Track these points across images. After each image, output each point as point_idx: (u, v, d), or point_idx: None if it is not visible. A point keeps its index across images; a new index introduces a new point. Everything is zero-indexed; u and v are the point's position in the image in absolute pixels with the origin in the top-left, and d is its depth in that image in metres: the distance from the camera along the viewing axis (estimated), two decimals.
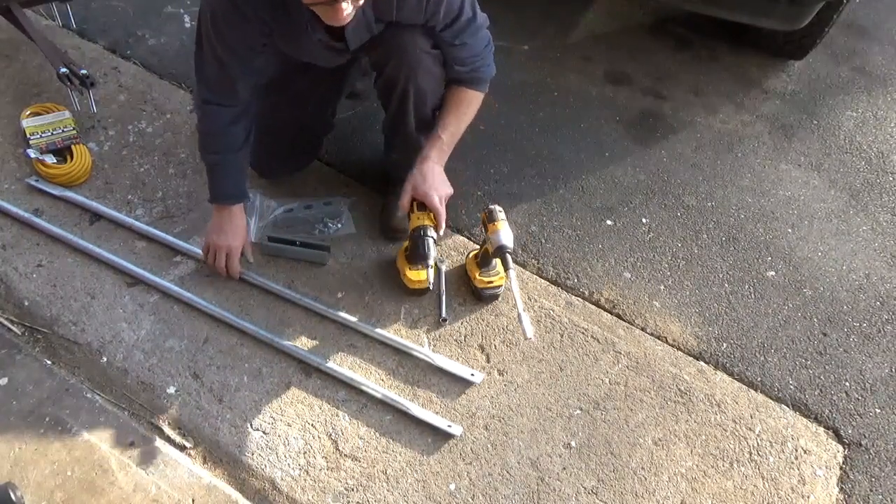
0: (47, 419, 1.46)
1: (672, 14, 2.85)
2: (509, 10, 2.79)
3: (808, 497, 1.50)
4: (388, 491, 1.44)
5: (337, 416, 1.54)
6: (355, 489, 1.44)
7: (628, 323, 1.79)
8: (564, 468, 1.50)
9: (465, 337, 1.69)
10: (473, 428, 1.54)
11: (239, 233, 1.70)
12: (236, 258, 1.70)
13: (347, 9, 1.27)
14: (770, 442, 1.58)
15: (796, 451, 1.57)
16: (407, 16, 1.47)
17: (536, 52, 2.63)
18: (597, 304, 1.83)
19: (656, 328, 1.79)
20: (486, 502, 1.44)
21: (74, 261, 1.76)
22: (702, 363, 1.73)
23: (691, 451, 1.55)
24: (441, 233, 1.62)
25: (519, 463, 1.50)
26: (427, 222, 1.65)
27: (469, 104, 1.67)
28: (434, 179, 1.61)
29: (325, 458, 1.48)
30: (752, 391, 1.68)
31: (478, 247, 1.81)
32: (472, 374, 1.61)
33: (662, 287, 1.89)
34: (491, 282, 1.71)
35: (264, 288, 1.73)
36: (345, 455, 1.48)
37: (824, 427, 1.64)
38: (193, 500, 1.38)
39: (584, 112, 2.41)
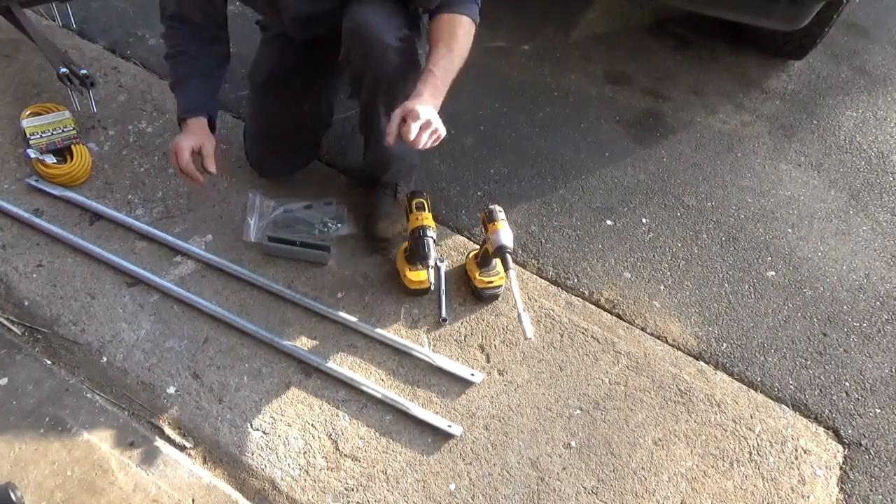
0: (47, 419, 1.46)
1: (672, 14, 2.85)
2: (509, 10, 2.79)
3: (808, 497, 1.50)
4: (388, 491, 1.44)
5: (337, 416, 1.54)
6: (355, 489, 1.44)
7: (628, 323, 1.79)
8: (564, 468, 1.50)
9: (465, 337, 1.69)
10: (473, 428, 1.54)
11: (193, 133, 1.60)
12: (185, 153, 1.58)
13: None
14: (770, 442, 1.58)
15: (796, 451, 1.57)
16: None
17: (536, 52, 2.63)
18: (597, 304, 1.83)
19: (656, 328, 1.79)
20: (486, 502, 1.44)
21: (74, 261, 1.76)
22: (702, 363, 1.73)
23: (691, 451, 1.55)
24: (392, 138, 1.38)
25: (519, 463, 1.50)
26: (427, 222, 1.66)
27: (459, 32, 1.47)
28: (426, 108, 1.39)
29: (325, 458, 1.48)
30: (752, 391, 1.68)
31: (478, 247, 1.81)
32: (472, 374, 1.61)
33: (662, 287, 1.89)
34: (491, 282, 1.71)
35: (264, 288, 1.73)
36: (345, 455, 1.48)
37: (824, 427, 1.64)
38: (193, 500, 1.38)
39: (584, 112, 2.41)
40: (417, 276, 1.69)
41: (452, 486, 1.45)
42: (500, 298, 1.76)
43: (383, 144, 1.67)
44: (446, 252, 1.86)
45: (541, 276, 1.87)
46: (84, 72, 1.99)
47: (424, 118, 1.36)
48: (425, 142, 1.38)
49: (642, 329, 1.78)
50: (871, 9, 3.03)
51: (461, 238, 1.92)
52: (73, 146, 1.94)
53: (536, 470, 1.49)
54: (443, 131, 1.40)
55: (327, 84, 1.85)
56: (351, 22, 1.51)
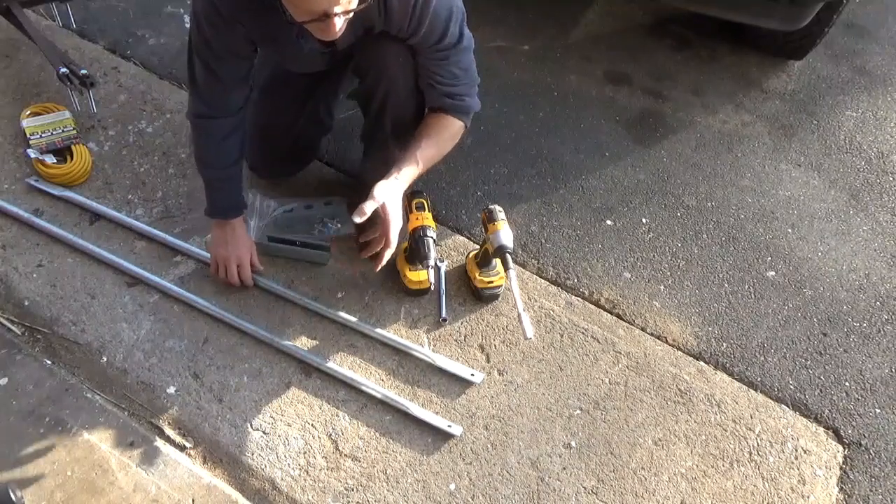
0: (47, 419, 1.46)
1: (672, 14, 2.85)
2: (509, 10, 2.79)
3: (808, 497, 1.50)
4: (388, 491, 1.44)
5: (337, 416, 1.54)
6: (355, 489, 1.44)
7: (628, 323, 1.79)
8: (564, 468, 1.50)
9: (465, 337, 1.69)
10: (473, 428, 1.54)
11: (243, 242, 1.70)
12: (247, 267, 1.69)
13: (339, 23, 1.26)
14: (770, 442, 1.58)
15: (796, 451, 1.57)
16: (392, 26, 1.45)
17: (536, 52, 2.63)
18: (597, 304, 1.83)
19: (656, 328, 1.79)
20: (486, 502, 1.44)
21: (74, 261, 1.76)
22: (702, 363, 1.73)
23: (691, 451, 1.55)
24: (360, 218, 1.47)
25: (519, 463, 1.50)
26: (427, 222, 1.66)
27: (450, 132, 1.61)
28: (398, 201, 1.54)
29: (325, 458, 1.48)
30: (752, 391, 1.68)
31: (478, 247, 1.81)
32: (472, 374, 1.61)
33: (662, 287, 1.89)
34: (491, 282, 1.71)
35: (264, 288, 1.73)
36: (345, 455, 1.48)
37: (824, 427, 1.64)
38: (193, 500, 1.38)
39: (584, 112, 2.41)
40: (417, 276, 1.69)
41: (452, 486, 1.45)
42: (500, 298, 1.76)
43: (385, 156, 1.68)
44: (446, 252, 1.86)
45: (541, 276, 1.87)
46: (84, 72, 1.99)
47: (392, 234, 1.51)
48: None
49: (642, 329, 1.78)
50: (871, 9, 3.03)
51: (461, 238, 1.92)
52: (73, 146, 1.94)
53: (536, 470, 1.49)
54: (394, 244, 1.53)
55: (329, 88, 1.85)
56: (372, 40, 1.51)
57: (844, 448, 1.60)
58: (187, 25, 2.55)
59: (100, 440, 1.44)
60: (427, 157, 1.58)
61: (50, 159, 1.91)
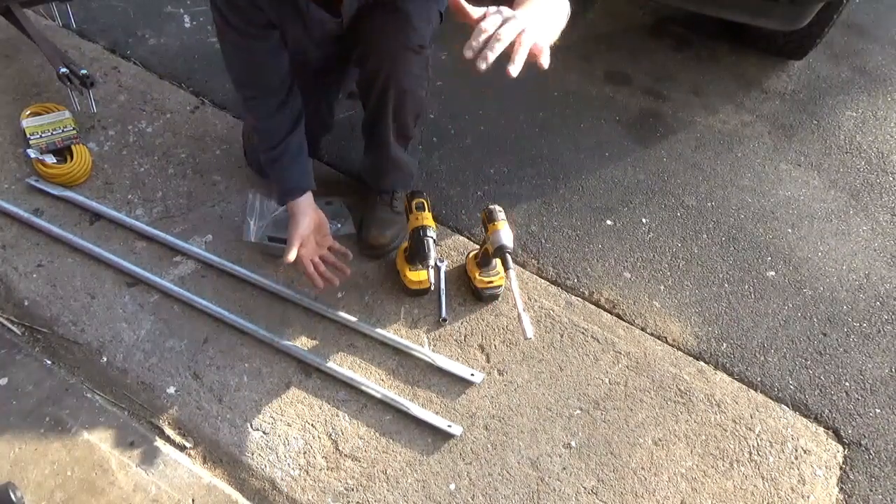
0: (47, 419, 1.46)
1: (672, 14, 2.85)
2: None
3: (808, 497, 1.50)
4: (388, 491, 1.44)
5: (337, 416, 1.54)
6: (355, 489, 1.44)
7: (628, 323, 1.79)
8: (564, 468, 1.50)
9: (465, 337, 1.69)
10: (473, 428, 1.54)
11: (315, 226, 1.55)
12: (308, 263, 1.55)
13: None
14: (770, 442, 1.58)
15: (796, 451, 1.57)
16: None
17: None
18: (597, 304, 1.83)
19: (656, 328, 1.79)
20: (486, 502, 1.44)
21: (74, 261, 1.76)
22: (702, 363, 1.73)
23: (691, 451, 1.55)
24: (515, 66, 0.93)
25: (519, 463, 1.50)
26: (427, 222, 1.66)
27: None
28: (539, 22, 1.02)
29: (325, 458, 1.48)
30: (752, 391, 1.68)
31: (478, 247, 1.81)
32: (472, 374, 1.61)
33: (662, 287, 1.89)
34: (491, 282, 1.71)
35: (264, 288, 1.73)
36: (345, 455, 1.48)
37: (824, 427, 1.64)
38: (193, 500, 1.38)
39: (584, 112, 2.41)
40: (417, 276, 1.69)
41: (452, 486, 1.45)
42: (500, 298, 1.76)
43: (385, 150, 1.66)
44: (446, 252, 1.86)
45: (541, 276, 1.87)
46: (84, 72, 1.99)
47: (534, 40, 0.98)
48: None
49: (642, 329, 1.78)
50: (871, 9, 3.03)
51: (461, 238, 1.92)
52: (73, 146, 1.94)
53: (536, 470, 1.49)
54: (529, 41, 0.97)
55: (329, 86, 1.85)
56: (376, 19, 1.48)
57: (844, 448, 1.60)
58: (187, 25, 2.55)
59: (100, 440, 1.44)
60: (547, 6, 1.07)
61: (50, 159, 1.91)
